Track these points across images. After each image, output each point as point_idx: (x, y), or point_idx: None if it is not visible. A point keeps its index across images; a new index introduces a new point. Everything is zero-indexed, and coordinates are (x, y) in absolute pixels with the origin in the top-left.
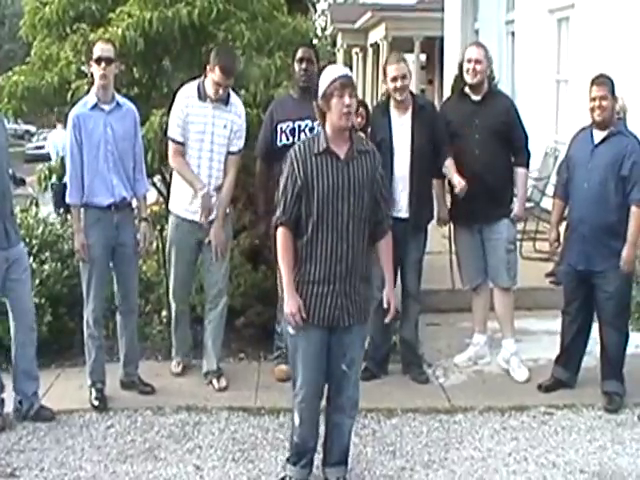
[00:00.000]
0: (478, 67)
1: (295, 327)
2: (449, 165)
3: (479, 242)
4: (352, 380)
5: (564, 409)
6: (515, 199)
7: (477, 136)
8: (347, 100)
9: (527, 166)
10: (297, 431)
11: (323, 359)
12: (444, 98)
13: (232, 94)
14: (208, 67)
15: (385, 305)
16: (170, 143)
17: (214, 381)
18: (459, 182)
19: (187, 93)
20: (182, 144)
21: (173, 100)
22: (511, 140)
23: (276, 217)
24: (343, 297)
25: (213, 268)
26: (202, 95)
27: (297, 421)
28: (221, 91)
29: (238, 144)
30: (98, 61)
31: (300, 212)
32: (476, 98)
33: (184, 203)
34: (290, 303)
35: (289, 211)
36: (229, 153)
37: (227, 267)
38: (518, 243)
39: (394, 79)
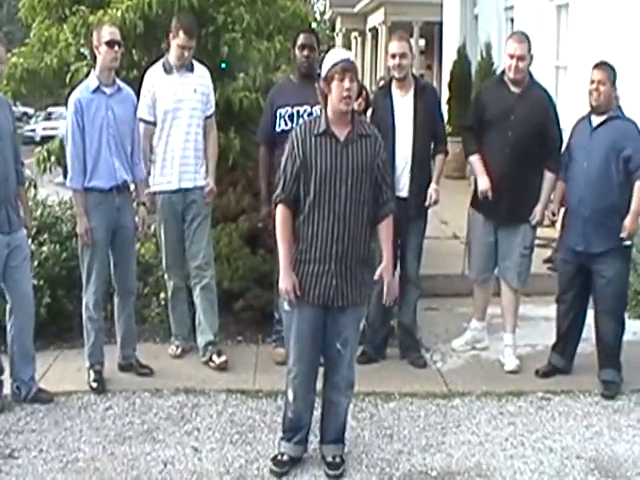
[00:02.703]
0: (521, 64)
1: (290, 304)
2: (438, 162)
3: (493, 240)
4: (346, 360)
5: (561, 395)
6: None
7: (510, 133)
8: (347, 84)
9: (557, 172)
10: (291, 407)
11: (318, 337)
12: (443, 83)
13: (195, 62)
14: (171, 35)
15: (376, 277)
16: (140, 124)
17: (214, 357)
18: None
19: (152, 72)
20: (152, 123)
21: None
22: (545, 141)
23: (275, 195)
24: (338, 278)
25: (195, 240)
26: (168, 69)
27: (291, 397)
28: (186, 53)
29: (211, 106)
30: (110, 44)
31: (299, 191)
32: (515, 90)
33: (160, 177)
34: (285, 280)
35: (288, 189)
36: (207, 117)
37: (209, 240)
38: None
39: (393, 56)
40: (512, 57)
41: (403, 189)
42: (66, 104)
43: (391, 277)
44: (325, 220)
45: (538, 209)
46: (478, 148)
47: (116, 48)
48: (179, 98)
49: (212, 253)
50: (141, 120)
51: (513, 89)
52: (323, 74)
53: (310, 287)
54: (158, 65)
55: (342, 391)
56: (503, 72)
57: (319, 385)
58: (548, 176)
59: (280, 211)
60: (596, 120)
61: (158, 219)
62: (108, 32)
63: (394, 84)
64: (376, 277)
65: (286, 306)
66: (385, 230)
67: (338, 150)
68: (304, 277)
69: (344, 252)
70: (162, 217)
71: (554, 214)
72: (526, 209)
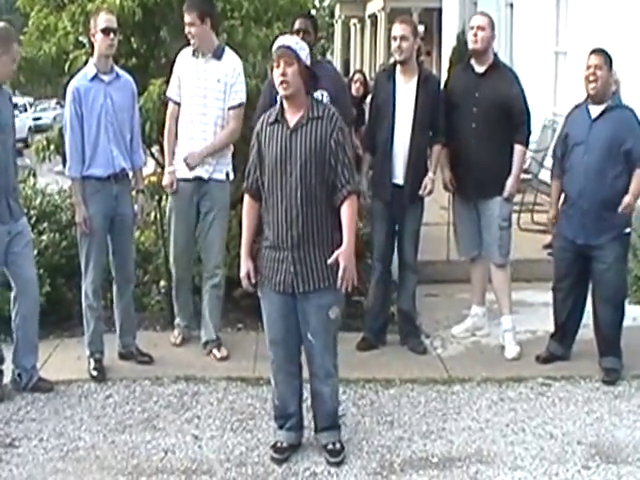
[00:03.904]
0: (480, 34)
1: (259, 289)
2: (435, 152)
3: (475, 215)
4: (319, 350)
5: (562, 381)
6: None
7: (475, 109)
8: (280, 69)
9: (526, 144)
10: (275, 393)
11: (289, 323)
12: (442, 70)
13: (227, 49)
14: None
15: (330, 261)
16: (169, 103)
17: (214, 351)
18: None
19: (184, 53)
20: (179, 104)
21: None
22: (511, 116)
23: (243, 185)
24: (297, 263)
25: (210, 236)
26: (195, 53)
27: (273, 382)
28: (188, 29)
29: (237, 97)
30: (106, 32)
31: (259, 180)
32: (479, 70)
33: (177, 163)
34: (242, 267)
35: (250, 179)
36: (229, 108)
37: (224, 238)
38: (516, 215)
39: (394, 38)
40: (472, 28)
41: (399, 176)
42: (64, 93)
43: (348, 262)
44: (278, 206)
45: (510, 182)
46: (445, 140)
47: (112, 36)
48: (200, 85)
49: (224, 250)
50: (169, 99)
51: (477, 69)
52: None
53: (273, 274)
54: (189, 48)
55: (321, 380)
56: (469, 57)
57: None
58: (517, 148)
59: (246, 201)
60: (595, 110)
61: (168, 208)
62: (104, 20)
63: (398, 68)
64: (330, 261)
65: (259, 293)
66: (346, 213)
67: (287, 136)
68: (267, 263)
69: (300, 237)
70: (174, 205)
71: (555, 219)
72: (497, 181)
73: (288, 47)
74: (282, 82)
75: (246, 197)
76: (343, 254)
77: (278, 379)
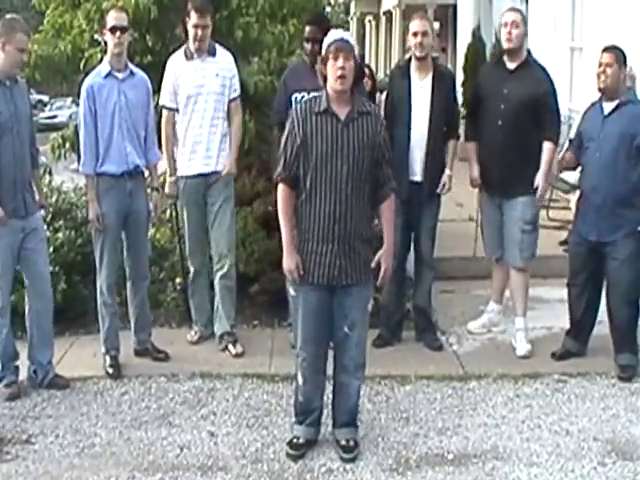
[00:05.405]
0: (515, 31)
1: (294, 286)
2: (451, 147)
3: (499, 215)
4: (354, 342)
5: (577, 377)
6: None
7: (502, 106)
8: (340, 62)
9: (556, 142)
10: (301, 390)
11: (324, 319)
12: (458, 66)
13: (218, 46)
14: (186, 19)
15: (373, 264)
16: (163, 111)
17: (230, 347)
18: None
19: (174, 59)
20: (175, 110)
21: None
22: (540, 114)
23: (277, 173)
24: (342, 257)
25: (216, 226)
26: (189, 55)
27: (301, 380)
28: (200, 32)
29: (236, 90)
30: (113, 30)
31: (299, 170)
32: (510, 66)
33: (184, 161)
34: (288, 260)
35: (289, 168)
36: (230, 101)
37: (231, 225)
38: None
39: (415, 34)
40: (506, 25)
41: (417, 173)
42: (79, 90)
43: (390, 263)
44: (326, 199)
45: (540, 182)
46: (475, 135)
47: (118, 34)
48: (200, 83)
49: (234, 239)
50: (163, 107)
51: (509, 65)
52: (322, 55)
53: (314, 266)
54: (180, 52)
55: (351, 373)
56: (502, 54)
57: (330, 369)
58: (547, 146)
59: (282, 190)
60: (607, 107)
61: (181, 204)
62: (113, 17)
63: (413, 65)
64: (373, 264)
65: (292, 291)
66: (387, 211)
67: (339, 129)
68: (308, 256)
69: (346, 231)
70: (184, 202)
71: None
72: (522, 181)
73: (347, 41)
74: (341, 76)
75: (281, 186)
76: (386, 255)
77: (307, 376)
